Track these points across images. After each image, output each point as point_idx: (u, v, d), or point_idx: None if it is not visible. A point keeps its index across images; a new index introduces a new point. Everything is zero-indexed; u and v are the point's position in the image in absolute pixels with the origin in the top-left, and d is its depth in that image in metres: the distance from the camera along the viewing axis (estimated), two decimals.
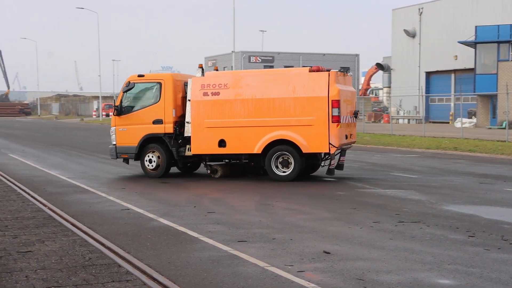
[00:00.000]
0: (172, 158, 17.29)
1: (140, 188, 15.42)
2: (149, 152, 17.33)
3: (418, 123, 53.72)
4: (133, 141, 17.38)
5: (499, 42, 47.09)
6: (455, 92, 52.07)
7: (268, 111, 16.05)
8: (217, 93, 16.41)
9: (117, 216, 11.40)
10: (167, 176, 17.69)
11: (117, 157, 17.81)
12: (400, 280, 7.20)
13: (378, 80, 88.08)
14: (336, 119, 15.53)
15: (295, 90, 15.86)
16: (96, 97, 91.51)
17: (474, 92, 48.38)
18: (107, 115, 76.56)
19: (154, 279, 7.24)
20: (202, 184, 16.17)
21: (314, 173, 17.56)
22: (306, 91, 15.77)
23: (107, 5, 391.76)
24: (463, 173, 18.20)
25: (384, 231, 9.89)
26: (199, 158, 17.35)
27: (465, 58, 52.36)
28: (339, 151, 16.71)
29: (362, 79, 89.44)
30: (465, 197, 13.50)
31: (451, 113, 54.00)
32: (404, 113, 58.99)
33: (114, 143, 17.69)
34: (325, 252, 8.52)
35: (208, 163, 17.24)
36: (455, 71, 55.66)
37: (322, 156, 16.64)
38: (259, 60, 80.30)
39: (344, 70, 16.81)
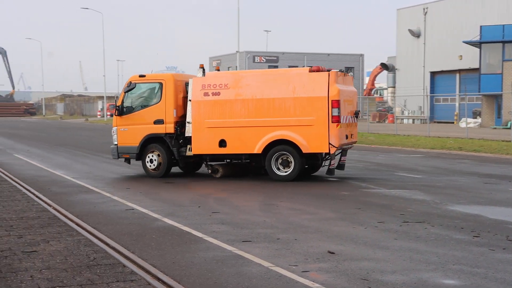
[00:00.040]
0: (173, 158, 17.33)
1: (145, 188, 15.44)
2: (150, 152, 17.37)
3: (423, 123, 53.64)
4: (135, 141, 17.42)
5: (504, 42, 46.98)
6: (460, 92, 51.96)
7: (268, 111, 16.07)
8: (218, 93, 16.43)
9: (121, 216, 11.42)
10: (171, 176, 17.73)
11: (118, 157, 17.87)
12: (405, 280, 7.19)
13: (382, 80, 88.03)
14: (336, 119, 15.53)
15: (295, 90, 15.87)
16: (101, 97, 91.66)
17: (479, 92, 48.30)
18: (112, 115, 76.61)
19: (158, 279, 7.24)
20: (207, 184, 16.18)
21: (317, 173, 17.55)
22: (306, 91, 15.78)
23: (112, 5, 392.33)
24: (468, 173, 18.17)
25: (388, 231, 9.88)
26: (200, 158, 17.38)
27: (470, 58, 52.26)
28: (340, 151, 16.72)
29: (366, 79, 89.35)
30: (470, 197, 13.47)
31: (456, 113, 53.93)
32: (408, 113, 58.91)
33: (116, 143, 17.76)
34: (329, 252, 8.51)
35: (209, 163, 17.27)
36: (459, 71, 55.56)
37: (323, 156, 16.62)
38: (263, 60, 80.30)
39: (344, 70, 16.82)
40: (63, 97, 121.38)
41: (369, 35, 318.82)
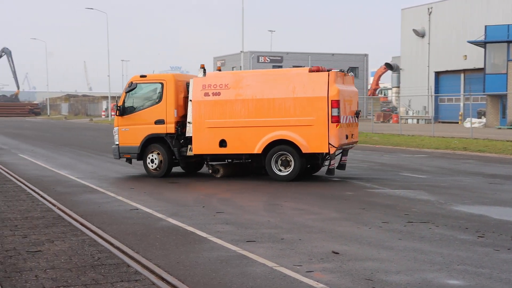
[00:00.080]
0: (174, 158, 17.37)
1: (149, 188, 15.45)
2: (151, 152, 17.43)
3: (427, 123, 53.57)
4: (136, 141, 17.48)
5: (509, 42, 46.90)
6: (464, 92, 51.89)
7: (269, 111, 16.09)
8: (218, 93, 16.46)
9: (126, 216, 11.43)
10: (175, 176, 17.76)
11: (120, 157, 17.93)
12: (409, 281, 7.19)
13: (387, 80, 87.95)
14: (336, 119, 15.52)
15: (295, 90, 15.88)
16: (105, 97, 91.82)
17: (484, 92, 48.22)
18: None
19: (163, 279, 7.25)
20: (211, 184, 16.19)
21: (321, 174, 17.53)
22: (306, 91, 15.79)
23: (116, 6, 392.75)
24: (472, 173, 18.13)
25: (393, 231, 9.87)
26: (201, 158, 17.40)
27: (475, 58, 52.17)
28: (341, 151, 16.72)
29: (371, 79, 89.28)
30: (474, 198, 13.45)
31: (460, 113, 53.84)
32: (413, 113, 58.84)
33: (117, 143, 17.83)
34: (333, 252, 8.51)
35: (210, 163, 17.29)
36: (464, 71, 55.48)
37: (324, 155, 16.60)
38: (268, 60, 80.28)
39: (345, 70, 16.83)
40: (68, 97, 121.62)
41: (374, 35, 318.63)
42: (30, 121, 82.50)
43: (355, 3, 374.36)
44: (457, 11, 55.88)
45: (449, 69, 56.78)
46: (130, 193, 14.47)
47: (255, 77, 16.70)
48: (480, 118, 49.81)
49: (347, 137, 16.25)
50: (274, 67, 75.55)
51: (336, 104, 15.49)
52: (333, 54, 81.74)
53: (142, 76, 17.73)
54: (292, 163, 16.10)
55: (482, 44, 48.76)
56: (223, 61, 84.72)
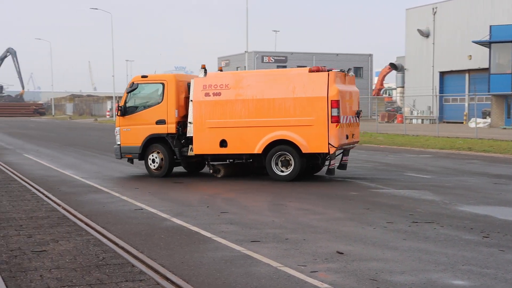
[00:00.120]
0: (175, 158, 17.41)
1: (153, 188, 15.47)
2: (152, 152, 17.48)
3: (432, 123, 53.47)
4: (137, 141, 17.54)
5: None
6: (469, 92, 51.79)
7: (269, 112, 16.11)
8: (219, 94, 16.49)
9: (130, 216, 11.44)
10: (180, 176, 17.79)
11: (121, 157, 18.01)
12: (414, 281, 7.17)
13: (391, 80, 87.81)
14: (336, 119, 15.52)
15: (295, 91, 15.89)
16: (110, 97, 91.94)
17: (489, 92, 48.10)
18: None
19: (167, 279, 7.25)
20: (215, 184, 16.19)
21: (324, 174, 17.51)
22: (305, 91, 15.79)
23: (121, 6, 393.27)
24: (477, 174, 18.10)
25: (397, 232, 9.85)
26: (202, 158, 17.44)
27: (480, 58, 52.06)
28: (341, 151, 16.72)
29: (375, 79, 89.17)
30: (479, 198, 13.42)
31: (465, 113, 53.73)
32: (417, 113, 58.75)
33: (119, 143, 17.90)
34: (338, 252, 8.50)
35: (211, 163, 17.32)
36: (469, 71, 55.36)
37: (324, 155, 16.57)
38: (272, 60, 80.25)
39: (345, 70, 16.84)
40: (72, 97, 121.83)
41: (378, 35, 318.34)
42: (35, 121, 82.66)
43: (359, 3, 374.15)
44: (462, 11, 55.77)
45: (453, 69, 56.67)
46: (134, 193, 14.49)
47: (255, 77, 16.73)
48: (485, 118, 49.69)
49: (347, 137, 16.25)
50: (278, 67, 75.52)
51: (336, 104, 15.50)
52: (337, 54, 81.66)
53: (143, 77, 17.80)
54: (292, 163, 16.12)
55: (487, 44, 48.64)
56: (227, 61, 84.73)
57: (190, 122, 16.89)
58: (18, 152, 27.19)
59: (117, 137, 17.94)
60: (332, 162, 15.97)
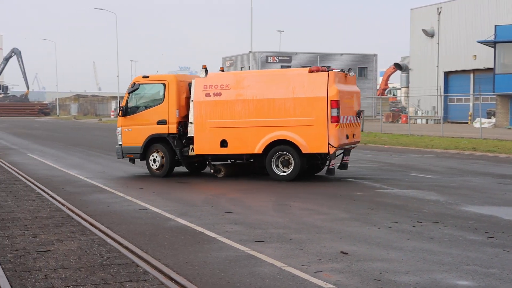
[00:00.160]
0: (176, 158, 17.45)
1: (158, 188, 15.48)
2: (153, 152, 17.54)
3: (437, 123, 53.37)
4: (138, 141, 17.62)
5: None
6: (474, 92, 51.66)
7: (269, 112, 16.13)
8: (219, 94, 16.52)
9: (135, 216, 11.45)
10: (184, 176, 17.81)
11: (123, 157, 18.12)
12: (418, 281, 7.16)
13: (396, 80, 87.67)
14: (335, 120, 15.52)
15: (294, 91, 15.90)
16: (114, 97, 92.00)
17: (493, 92, 47.99)
18: None
19: (171, 279, 7.26)
20: (219, 184, 16.20)
21: (326, 174, 17.50)
22: (305, 91, 15.81)
23: (126, 6, 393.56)
24: (482, 174, 18.06)
25: (402, 232, 9.84)
26: (203, 158, 17.48)
27: (484, 58, 51.93)
28: (342, 151, 16.72)
29: (380, 79, 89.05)
30: (484, 198, 13.40)
31: (470, 113, 53.61)
32: (422, 113, 58.63)
33: (120, 143, 17.98)
34: (342, 252, 8.50)
35: (212, 162, 17.35)
36: (474, 70, 55.23)
37: (325, 156, 16.54)
38: (276, 60, 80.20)
39: (345, 70, 16.85)
40: (77, 97, 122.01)
41: (383, 35, 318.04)
42: (40, 121, 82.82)
43: (364, 3, 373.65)
44: (467, 10, 55.65)
45: (458, 69, 56.55)
46: (139, 193, 14.50)
47: (256, 77, 16.76)
48: (490, 118, 49.57)
49: (347, 137, 16.25)
50: (283, 67, 75.46)
51: (335, 104, 15.50)
52: (342, 54, 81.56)
53: (144, 77, 17.89)
54: (292, 163, 16.12)
55: (492, 44, 48.53)
56: (232, 61, 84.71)
57: (191, 122, 16.94)
58: (23, 152, 27.24)
59: (119, 137, 18.02)
60: (332, 162, 15.96)
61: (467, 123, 52.80)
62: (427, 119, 57.16)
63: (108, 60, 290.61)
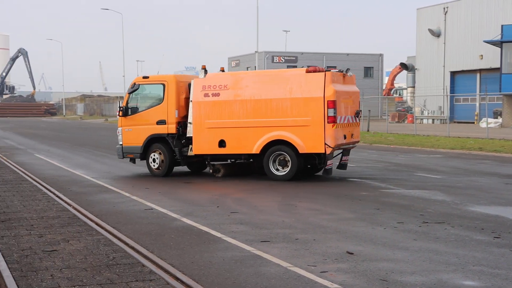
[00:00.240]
0: (175, 158, 17.48)
1: (164, 188, 15.50)
2: (153, 152, 17.62)
3: (443, 123, 53.25)
4: (138, 141, 17.74)
5: None
6: (480, 92, 51.51)
7: (266, 112, 16.18)
8: (217, 94, 16.59)
9: (140, 216, 11.47)
10: (189, 176, 17.85)
11: (123, 157, 18.27)
12: (424, 281, 7.15)
13: (402, 80, 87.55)
14: (332, 120, 15.52)
15: (292, 91, 15.94)
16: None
17: (500, 91, 47.84)
18: None
19: (177, 279, 7.26)
20: (225, 184, 16.21)
21: (336, 174, 17.49)
22: (302, 91, 15.83)
23: (132, 6, 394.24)
24: (488, 174, 18.01)
25: (408, 232, 9.82)
26: (203, 158, 17.53)
27: (491, 58, 51.79)
28: (341, 151, 16.71)
29: (386, 79, 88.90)
30: (490, 198, 13.36)
31: (476, 113, 53.46)
32: (428, 113, 58.51)
33: (121, 143, 18.11)
34: (348, 252, 8.49)
35: (211, 162, 17.40)
36: (480, 70, 55.08)
37: (323, 156, 16.51)
38: (282, 60, 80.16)
39: (343, 70, 16.86)
40: (83, 97, 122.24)
41: (389, 35, 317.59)
42: (46, 121, 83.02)
43: (370, 3, 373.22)
44: (473, 10, 55.50)
45: (464, 68, 56.40)
46: (145, 193, 14.52)
47: (254, 77, 16.81)
48: (496, 118, 49.42)
49: (345, 137, 16.25)
50: (288, 67, 75.41)
51: (332, 104, 15.50)
52: (348, 54, 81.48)
53: (144, 77, 18.03)
54: (290, 163, 16.13)
55: (499, 43, 48.38)
56: (237, 61, 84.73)
57: (190, 123, 17.02)
58: (30, 152, 27.32)
59: (119, 137, 18.17)
60: (328, 162, 15.95)
61: (473, 123, 52.66)
62: (433, 119, 57.03)
63: (114, 60, 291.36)
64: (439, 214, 11.39)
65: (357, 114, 17.01)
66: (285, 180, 16.08)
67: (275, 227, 10.27)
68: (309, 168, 17.16)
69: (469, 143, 28.99)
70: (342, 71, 16.69)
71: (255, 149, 16.33)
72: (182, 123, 17.31)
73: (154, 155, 17.62)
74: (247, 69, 74.67)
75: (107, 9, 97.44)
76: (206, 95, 16.69)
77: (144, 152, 17.76)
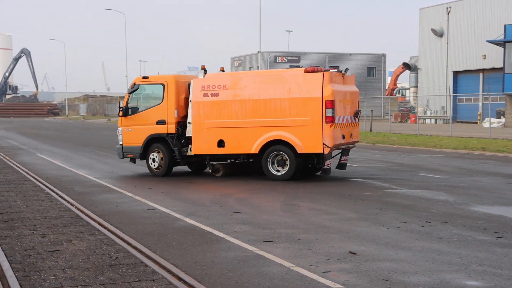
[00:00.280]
0: (175, 158, 17.52)
1: (166, 188, 15.51)
2: (153, 152, 17.69)
3: (446, 123, 53.19)
4: (138, 141, 17.81)
5: None
6: (483, 92, 51.46)
7: (265, 112, 16.21)
8: (216, 94, 16.62)
9: (143, 216, 11.48)
10: (192, 176, 17.86)
11: (123, 157, 18.34)
12: (427, 281, 7.14)
13: (405, 80, 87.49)
14: (330, 120, 15.53)
15: (290, 91, 15.97)
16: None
17: (503, 91, 47.79)
18: None
19: (180, 279, 7.27)
20: (227, 184, 16.21)
21: (339, 174, 17.49)
22: (301, 91, 15.85)
23: (135, 6, 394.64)
24: (491, 174, 17.99)
25: (410, 232, 9.82)
26: (202, 158, 17.56)
27: (494, 57, 51.73)
28: (340, 151, 16.71)
29: (388, 79, 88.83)
30: (493, 198, 13.34)
31: (479, 113, 53.40)
32: (431, 113, 58.46)
33: (121, 143, 18.18)
34: (351, 252, 8.48)
35: (210, 162, 17.43)
36: (483, 70, 55.02)
37: (321, 155, 16.49)
38: (285, 60, 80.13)
39: (342, 70, 16.86)
40: (86, 97, 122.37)
41: (391, 34, 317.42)
42: (49, 121, 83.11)
43: (373, 3, 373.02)
44: (476, 10, 55.44)
45: (467, 68, 56.35)
46: (147, 193, 14.53)
47: (252, 78, 16.82)
48: (499, 118, 49.35)
49: (344, 137, 16.25)
50: (291, 67, 75.35)
51: (330, 104, 15.51)
52: (350, 54, 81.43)
53: (144, 77, 18.11)
54: (288, 163, 16.13)
55: (501, 43, 48.33)
56: (240, 61, 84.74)
57: (189, 123, 17.06)
58: (32, 152, 27.35)
59: (119, 137, 18.24)
60: (327, 162, 15.95)
61: (476, 123, 52.60)
62: (436, 119, 56.98)
63: (117, 61, 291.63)
64: (442, 214, 11.38)
65: (356, 114, 17.01)
66: (283, 180, 16.09)
67: (277, 227, 10.27)
68: (310, 168, 17.15)
69: (472, 143, 28.96)
70: (341, 71, 16.69)
71: (254, 149, 16.35)
72: (182, 123, 17.35)
73: (153, 155, 17.68)
74: (250, 69, 74.66)
75: (110, 9, 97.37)
76: (205, 95, 16.72)
77: (144, 152, 17.83)
